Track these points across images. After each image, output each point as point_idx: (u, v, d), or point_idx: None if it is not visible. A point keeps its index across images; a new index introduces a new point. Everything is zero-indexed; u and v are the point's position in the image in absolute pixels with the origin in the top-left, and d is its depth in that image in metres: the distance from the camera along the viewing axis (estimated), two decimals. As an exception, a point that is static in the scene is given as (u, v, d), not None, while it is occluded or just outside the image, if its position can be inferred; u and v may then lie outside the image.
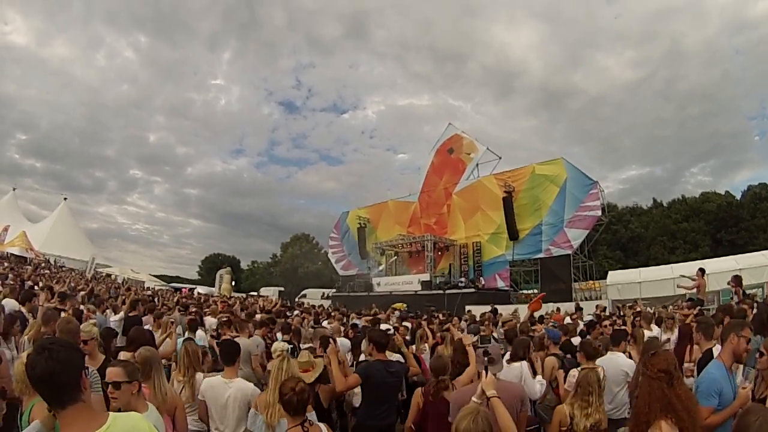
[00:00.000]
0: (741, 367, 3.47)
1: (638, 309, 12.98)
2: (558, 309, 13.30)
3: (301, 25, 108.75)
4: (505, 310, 14.11)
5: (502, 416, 2.58)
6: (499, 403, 2.63)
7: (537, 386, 4.75)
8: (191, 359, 4.28)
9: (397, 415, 4.43)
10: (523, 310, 11.40)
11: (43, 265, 29.27)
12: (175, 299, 14.36)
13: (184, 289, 27.57)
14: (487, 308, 15.46)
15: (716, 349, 4.08)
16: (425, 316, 11.03)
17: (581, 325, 8.89)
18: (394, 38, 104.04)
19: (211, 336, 7.04)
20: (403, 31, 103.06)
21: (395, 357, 5.45)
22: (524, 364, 4.82)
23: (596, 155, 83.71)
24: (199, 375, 4.19)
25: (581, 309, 12.93)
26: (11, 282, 13.45)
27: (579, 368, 4.24)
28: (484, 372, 2.85)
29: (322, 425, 3.01)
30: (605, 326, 7.12)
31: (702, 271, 11.20)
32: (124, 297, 11.15)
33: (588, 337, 7.01)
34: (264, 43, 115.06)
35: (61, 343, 1.71)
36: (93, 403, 1.71)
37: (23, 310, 6.94)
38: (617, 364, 4.77)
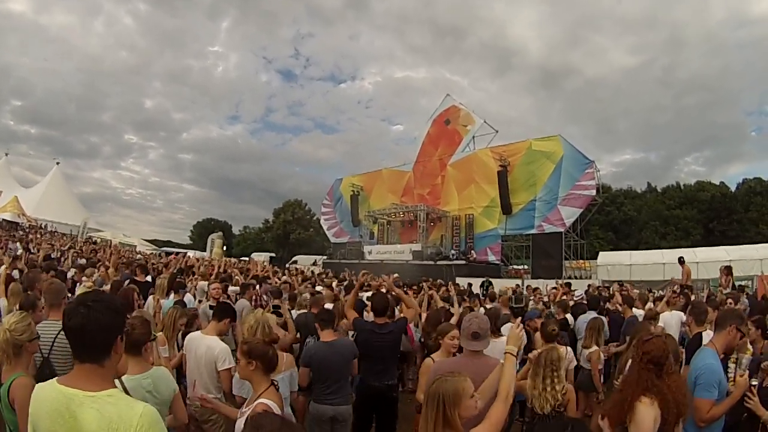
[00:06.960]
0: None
1: (626, 287, 13.02)
2: (560, 283, 13.09)
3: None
4: (496, 285, 14.13)
5: (506, 374, 2.41)
6: (511, 360, 2.49)
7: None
8: (167, 324, 4.22)
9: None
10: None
11: (33, 230, 28.95)
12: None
13: (173, 255, 27.26)
14: (477, 281, 15.54)
15: (706, 335, 4.05)
16: (415, 286, 10.85)
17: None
18: (394, 10, 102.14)
19: (199, 301, 6.90)
20: (404, 4, 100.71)
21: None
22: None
23: (591, 136, 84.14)
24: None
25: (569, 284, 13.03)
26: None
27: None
28: (515, 320, 2.79)
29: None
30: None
31: (681, 259, 12.06)
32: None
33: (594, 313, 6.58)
34: (264, 12, 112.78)
35: (105, 303, 1.62)
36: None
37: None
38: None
